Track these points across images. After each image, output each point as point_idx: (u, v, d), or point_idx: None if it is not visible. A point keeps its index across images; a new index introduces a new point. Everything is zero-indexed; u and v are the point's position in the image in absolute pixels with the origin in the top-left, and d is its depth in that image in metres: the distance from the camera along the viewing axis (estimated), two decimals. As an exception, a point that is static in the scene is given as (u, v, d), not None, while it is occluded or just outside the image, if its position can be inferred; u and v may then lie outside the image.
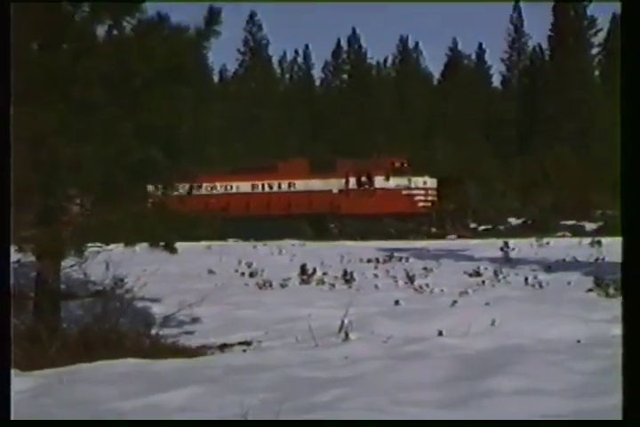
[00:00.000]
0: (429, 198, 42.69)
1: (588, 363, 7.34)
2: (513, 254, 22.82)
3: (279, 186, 44.34)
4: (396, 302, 12.60)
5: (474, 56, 78.59)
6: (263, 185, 44.48)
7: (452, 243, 34.48)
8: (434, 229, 41.91)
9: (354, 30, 79.15)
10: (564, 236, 37.34)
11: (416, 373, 6.90)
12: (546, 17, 67.67)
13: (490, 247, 25.27)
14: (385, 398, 5.97)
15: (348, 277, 16.71)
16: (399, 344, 8.77)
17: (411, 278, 16.32)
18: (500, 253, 22.44)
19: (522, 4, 72.37)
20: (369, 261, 23.47)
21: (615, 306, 11.62)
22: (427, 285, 15.37)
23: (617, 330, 9.59)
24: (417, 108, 72.41)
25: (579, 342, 8.88)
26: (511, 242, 24.35)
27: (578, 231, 39.13)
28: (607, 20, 70.08)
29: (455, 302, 12.23)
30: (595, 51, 69.77)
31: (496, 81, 78.33)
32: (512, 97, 72.36)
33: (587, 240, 28.51)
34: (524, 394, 6.04)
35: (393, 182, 42.57)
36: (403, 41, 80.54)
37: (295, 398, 6.07)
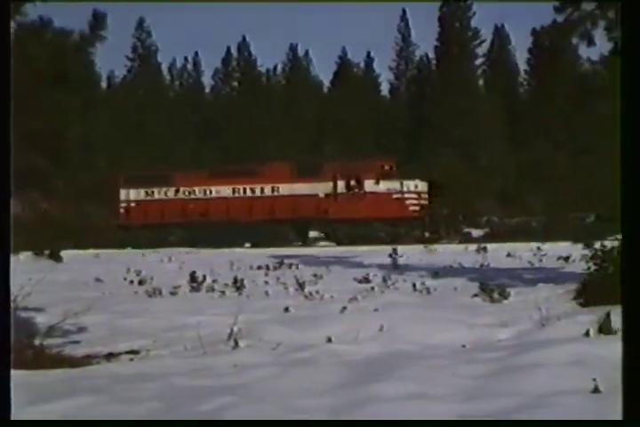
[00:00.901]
0: (421, 202, 41.89)
1: (472, 367, 7.46)
2: (402, 261, 23.09)
3: (262, 190, 42.90)
4: (286, 309, 12.60)
5: (363, 64, 79.38)
6: (245, 189, 43.08)
7: (341, 250, 34.68)
8: (427, 234, 41.05)
9: (244, 38, 79.08)
10: (450, 242, 37.98)
11: (304, 380, 6.90)
12: (432, 27, 68.83)
13: (379, 254, 25.51)
14: (273, 405, 5.95)
15: (238, 285, 16.64)
16: (288, 351, 8.76)
17: (301, 285, 16.35)
18: (389, 260, 22.68)
19: (409, 14, 73.43)
20: (259, 268, 23.45)
21: (499, 311, 11.90)
22: (317, 291, 15.42)
23: (501, 335, 9.84)
24: (307, 116, 72.67)
25: (464, 346, 9.02)
26: (400, 249, 24.64)
27: (465, 238, 39.74)
28: (490, 31, 71.77)
29: (344, 308, 12.30)
30: (479, 61, 71.22)
31: (385, 89, 79.30)
32: (400, 105, 73.30)
33: (473, 246, 29.08)
34: (410, 399, 6.09)
35: (383, 186, 41.55)
36: (292, 49, 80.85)
37: (181, 406, 5.99)
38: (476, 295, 13.83)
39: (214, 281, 17.93)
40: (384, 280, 17.49)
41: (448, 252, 28.68)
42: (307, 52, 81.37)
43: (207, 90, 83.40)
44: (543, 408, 5.75)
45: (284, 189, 42.32)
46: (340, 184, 42.08)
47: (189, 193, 43.37)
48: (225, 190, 42.96)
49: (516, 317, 10.91)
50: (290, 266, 23.74)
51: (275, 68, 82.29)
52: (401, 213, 40.65)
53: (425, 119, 64.75)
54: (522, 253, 25.69)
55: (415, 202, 41.56)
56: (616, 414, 5.56)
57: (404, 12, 73.01)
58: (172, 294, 16.11)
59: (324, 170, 42.55)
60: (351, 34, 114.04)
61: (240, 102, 74.12)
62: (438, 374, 7.03)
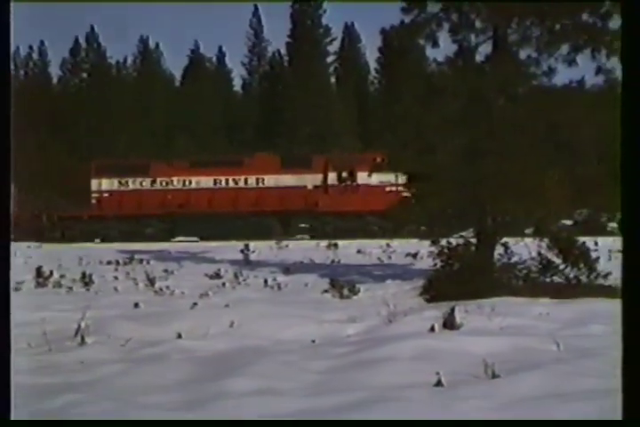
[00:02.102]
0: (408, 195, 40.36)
1: (321, 362, 7.56)
2: (253, 257, 23.13)
3: (246, 181, 41.07)
4: (136, 305, 12.44)
5: (215, 59, 79.02)
6: (227, 180, 41.16)
7: (193, 245, 34.45)
8: (423, 228, 39.79)
9: (92, 28, 77.46)
10: (302, 238, 38.17)
11: (153, 376, 6.85)
12: (285, 24, 69.15)
13: (231, 250, 25.49)
14: (121, 402, 5.89)
15: (86, 280, 16.33)
16: (137, 347, 8.66)
17: (151, 281, 16.18)
18: (240, 256, 22.68)
19: (261, 10, 73.49)
20: (109, 263, 23.08)
21: (349, 306, 12.09)
22: (167, 287, 15.30)
23: (350, 330, 10.00)
24: (158, 109, 71.82)
25: (313, 342, 9.12)
26: (252, 244, 24.69)
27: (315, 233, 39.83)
28: (341, 29, 72.62)
29: (195, 304, 12.24)
30: (330, 58, 71.98)
31: (237, 85, 79.15)
32: (253, 101, 73.33)
33: (324, 243, 29.39)
34: (260, 394, 6.13)
35: (376, 179, 39.41)
36: (143, 41, 79.71)
37: (25, 405, 5.85)
38: (326, 291, 14.00)
39: (62, 276, 17.53)
40: (235, 276, 17.50)
41: (300, 248, 28.91)
42: (157, 45, 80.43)
43: (55, 80, 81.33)
44: (388, 402, 5.89)
45: (270, 180, 41.12)
46: (332, 176, 41.05)
47: (167, 183, 41.29)
48: (206, 181, 41.23)
49: (365, 312, 11.10)
50: (140, 261, 23.45)
51: (125, 60, 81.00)
52: (393, 205, 39.49)
53: (278, 115, 65.02)
54: (372, 249, 26.13)
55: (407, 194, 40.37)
56: (457, 406, 5.76)
57: (255, 7, 73.05)
58: (16, 289, 15.66)
59: (313, 161, 41.44)
60: (204, 28, 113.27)
61: (89, 94, 72.60)
62: (288, 370, 7.10)
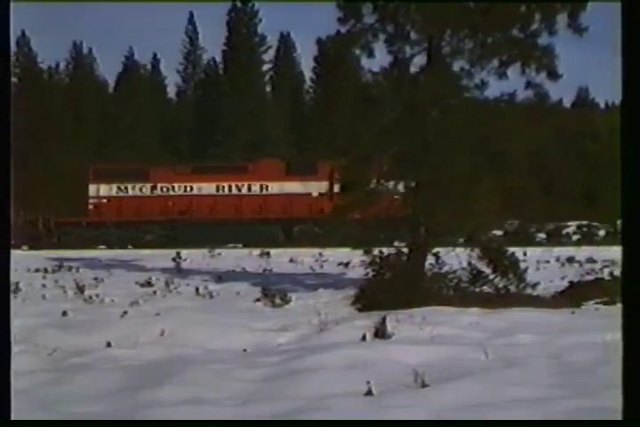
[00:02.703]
0: None
1: (253, 371, 7.54)
2: (186, 265, 22.99)
3: (249, 188, 39.88)
4: (64, 313, 12.27)
5: (149, 66, 78.47)
6: (230, 187, 39.87)
7: (124, 253, 34.07)
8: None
9: (23, 33, 76.38)
10: (234, 247, 37.97)
11: (82, 386, 6.76)
12: (220, 32, 68.95)
13: (162, 258, 25.29)
14: (50, 412, 5.81)
15: (13, 288, 16.06)
16: (65, 357, 8.55)
17: (80, 289, 15.97)
18: (172, 264, 22.53)
19: (196, 17, 73.16)
20: (37, 270, 22.71)
21: (281, 315, 12.08)
22: (97, 295, 15.11)
23: (282, 339, 9.99)
24: (90, 116, 71.06)
25: (245, 351, 9.10)
26: (184, 252, 24.53)
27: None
28: (276, 38, 72.66)
29: (125, 312, 12.12)
30: (266, 67, 71.98)
31: (172, 92, 78.66)
32: (188, 108, 72.96)
33: (256, 251, 29.32)
34: (190, 404, 6.09)
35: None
36: (76, 46, 78.84)
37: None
38: (258, 300, 13.96)
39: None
40: (167, 284, 17.37)
41: (232, 256, 28.79)
42: (90, 50, 79.62)
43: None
44: (319, 411, 5.90)
45: (274, 187, 39.88)
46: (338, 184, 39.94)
47: (167, 189, 40.14)
48: (208, 188, 40.05)
49: (297, 321, 11.10)
50: (70, 269, 23.14)
51: (57, 65, 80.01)
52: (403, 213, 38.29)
53: (213, 123, 64.76)
54: (304, 258, 26.14)
55: None
56: (387, 415, 5.79)
57: (191, 15, 72.70)
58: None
59: (319, 168, 39.69)
60: (138, 34, 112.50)
61: (19, 100, 71.55)
62: (219, 379, 7.06)
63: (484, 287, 13.66)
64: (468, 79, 14.11)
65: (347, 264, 22.46)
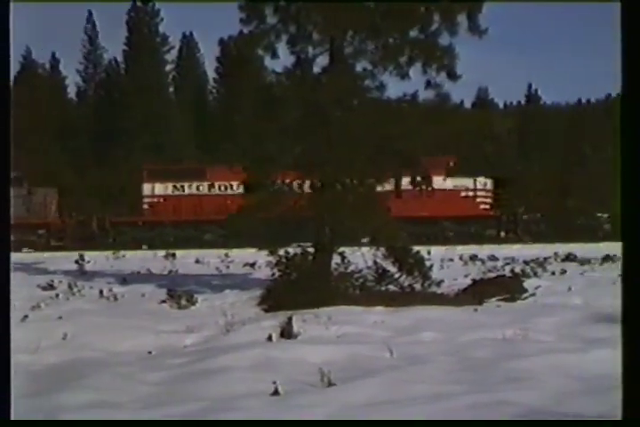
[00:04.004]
0: (488, 201, 38.78)
1: (158, 374, 7.50)
2: (89, 267, 22.66)
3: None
4: (-37, 319, 11.97)
5: (48, 66, 77.03)
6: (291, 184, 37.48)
7: (26, 256, 33.38)
8: (503, 234, 38.38)
9: None
10: (141, 248, 37.51)
11: (-18, 393, 6.62)
12: (121, 31, 68.06)
13: (65, 260, 24.88)
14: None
15: None
16: (-35, 363, 8.34)
17: (-21, 294, 15.60)
18: (75, 266, 22.18)
19: (96, 17, 71.98)
20: None
21: (187, 317, 12.01)
22: (-4, 300, 14.77)
23: (188, 340, 9.95)
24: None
25: (150, 353, 9.03)
26: (87, 254, 24.19)
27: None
28: (178, 38, 72.07)
29: (26, 316, 11.88)
30: (168, 67, 71.35)
31: (72, 92, 77.36)
32: (88, 108, 71.89)
33: (161, 253, 29.08)
34: (94, 408, 6.03)
35: (450, 183, 37.98)
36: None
37: None
38: (163, 302, 13.85)
39: None
40: (70, 287, 17.07)
41: (137, 258, 28.48)
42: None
43: None
44: (226, 412, 5.90)
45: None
46: (405, 180, 38.47)
47: (225, 188, 38.79)
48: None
49: (203, 322, 11.06)
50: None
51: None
52: (471, 211, 37.96)
53: (115, 124, 63.94)
54: (210, 259, 26.01)
55: (486, 200, 38.85)
56: (293, 415, 5.82)
57: (90, 13, 71.48)
58: None
59: None
60: (36, 33, 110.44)
61: None
62: (123, 382, 7.00)
63: (390, 286, 13.79)
64: (370, 79, 14.23)
65: (253, 265, 22.44)
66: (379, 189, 14.94)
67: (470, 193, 38.45)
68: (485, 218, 38.27)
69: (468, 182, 38.58)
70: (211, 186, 39.45)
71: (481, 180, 39.01)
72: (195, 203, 38.96)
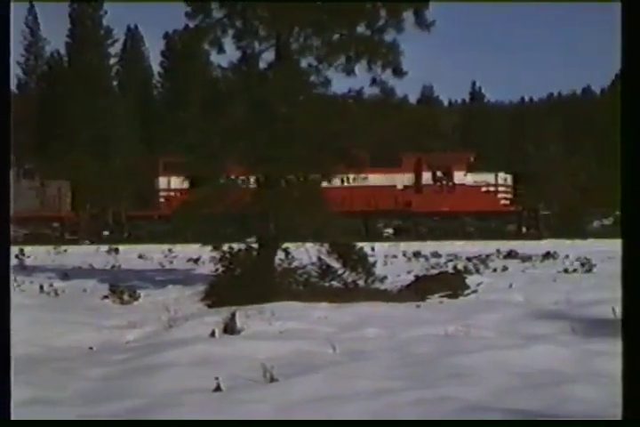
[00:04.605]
0: (509, 196, 38.43)
1: (99, 370, 7.43)
2: (29, 262, 22.37)
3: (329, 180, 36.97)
4: None
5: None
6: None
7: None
8: (524, 230, 38.13)
9: None
10: (83, 243, 37.14)
11: None
12: (64, 23, 67.16)
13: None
14: None
15: None
16: None
17: None
18: (15, 261, 21.89)
19: (37, 8, 70.97)
20: None
21: (129, 312, 11.92)
22: None
23: (130, 336, 9.87)
24: None
25: (91, 349, 8.94)
26: (27, 249, 23.88)
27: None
28: (123, 31, 71.36)
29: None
30: (112, 60, 70.63)
31: (13, 85, 76.29)
32: (30, 102, 70.93)
33: (104, 248, 28.82)
34: (34, 404, 5.95)
35: (470, 178, 37.95)
36: None
37: None
38: (106, 297, 13.72)
39: None
40: (9, 282, 16.83)
41: (79, 253, 28.18)
42: None
43: None
44: (168, 408, 5.87)
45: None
46: (426, 176, 38.43)
47: (243, 181, 37.46)
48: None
49: (146, 318, 10.99)
50: None
51: None
52: (492, 206, 37.62)
53: (57, 117, 63.16)
54: (153, 254, 25.83)
55: (506, 195, 38.62)
56: (235, 411, 5.80)
57: (31, 5, 70.32)
58: None
59: (404, 160, 38.49)
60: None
61: None
62: (63, 378, 6.93)
63: (333, 282, 13.81)
64: (316, 75, 14.23)
65: (196, 260, 22.34)
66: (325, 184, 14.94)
67: (491, 188, 38.36)
68: (506, 213, 38.16)
69: (488, 178, 38.54)
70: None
71: (501, 175, 38.89)
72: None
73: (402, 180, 38.56)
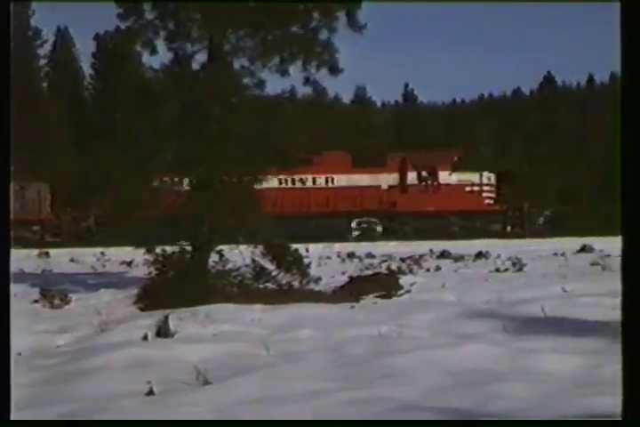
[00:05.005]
0: (492, 195, 38.54)
1: (30, 375, 7.33)
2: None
3: (314, 181, 37.63)
4: None
5: None
6: (293, 180, 36.32)
7: None
8: (509, 228, 38.30)
9: None
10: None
11: None
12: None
13: None
14: None
15: None
16: None
17: None
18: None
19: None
20: None
21: (60, 316, 11.76)
22: None
23: (61, 340, 9.74)
24: None
25: (19, 354, 8.81)
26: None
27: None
28: (52, 32, 70.41)
29: None
30: (41, 62, 69.62)
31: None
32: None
33: (35, 251, 28.43)
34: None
35: (455, 178, 38.06)
36: None
37: None
38: (36, 301, 13.53)
39: None
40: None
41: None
42: None
43: None
44: (100, 413, 5.81)
45: (341, 179, 38.23)
46: (411, 175, 38.61)
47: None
48: (270, 181, 36.50)
49: (77, 322, 10.87)
50: None
51: None
52: (477, 206, 37.95)
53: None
54: (86, 258, 25.55)
55: (490, 195, 38.96)
56: (167, 414, 5.76)
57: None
58: None
59: (388, 160, 38.80)
60: None
61: None
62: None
63: (268, 284, 13.78)
64: (249, 77, 14.19)
65: (129, 263, 22.14)
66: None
67: (475, 188, 38.68)
68: (490, 213, 38.58)
69: (472, 177, 38.85)
70: None
71: (486, 174, 39.27)
72: None
73: (387, 180, 38.81)
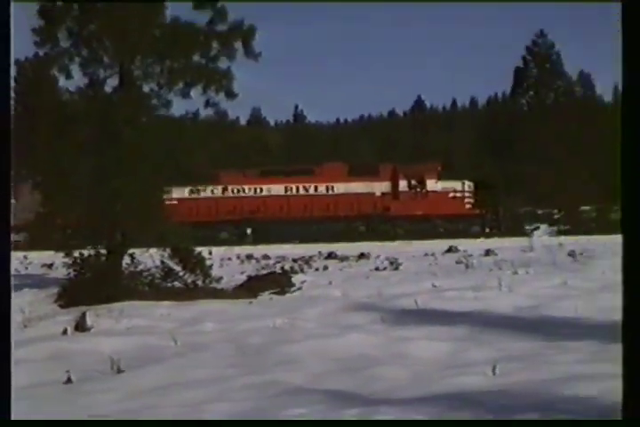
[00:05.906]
0: (471, 201, 38.67)
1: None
2: None
3: (316, 189, 38.02)
4: None
5: None
6: (298, 188, 37.77)
7: None
8: (488, 230, 38.34)
9: None
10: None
11: None
12: None
13: None
14: None
15: None
16: None
17: None
18: None
19: None
20: None
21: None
22: None
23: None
24: None
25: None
26: None
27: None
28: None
29: None
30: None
31: None
32: None
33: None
34: None
35: (440, 185, 38.35)
36: None
37: None
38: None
39: None
40: None
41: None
42: None
43: None
44: (21, 400, 5.66)
45: (340, 187, 38.12)
46: (402, 183, 38.62)
47: (238, 191, 37.08)
48: (277, 189, 37.83)
49: None
50: None
51: None
52: (459, 210, 38.24)
53: None
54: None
55: (470, 200, 38.98)
56: (84, 400, 5.66)
57: None
58: None
59: (381, 170, 38.99)
60: None
61: None
62: None
63: (176, 283, 13.67)
64: (156, 99, 14.06)
65: (50, 266, 21.61)
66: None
67: (458, 194, 39.32)
68: (471, 216, 39.18)
69: (455, 185, 39.49)
70: (224, 189, 36.47)
71: (467, 182, 39.93)
72: (209, 205, 37.18)
73: (380, 187, 39.39)
